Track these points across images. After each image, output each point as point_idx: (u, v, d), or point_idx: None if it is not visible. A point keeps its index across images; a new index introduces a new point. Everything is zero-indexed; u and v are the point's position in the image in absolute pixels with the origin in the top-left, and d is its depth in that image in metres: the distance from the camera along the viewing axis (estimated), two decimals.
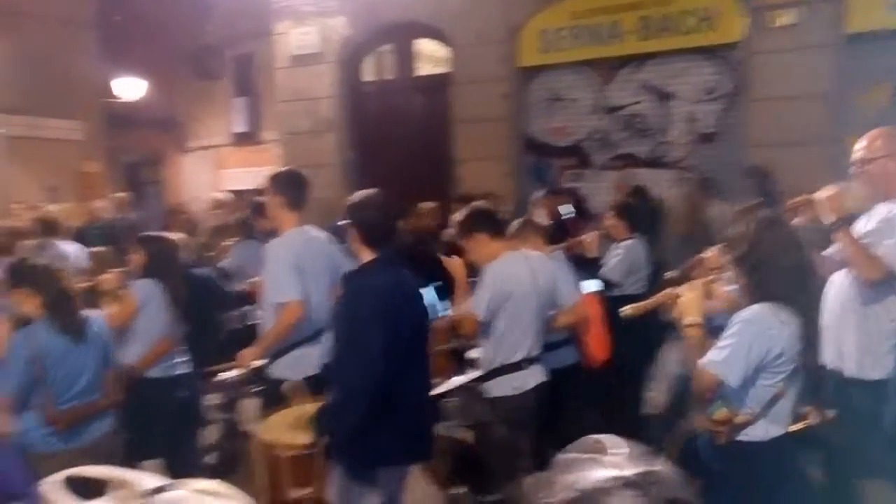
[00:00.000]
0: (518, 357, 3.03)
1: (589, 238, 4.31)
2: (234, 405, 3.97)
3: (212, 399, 3.86)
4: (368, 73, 8.80)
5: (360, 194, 2.62)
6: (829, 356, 2.74)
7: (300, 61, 8.78)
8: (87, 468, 2.39)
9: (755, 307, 2.12)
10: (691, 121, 6.98)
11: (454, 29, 7.76)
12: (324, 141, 8.74)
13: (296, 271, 3.07)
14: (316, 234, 3.31)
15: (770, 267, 2.12)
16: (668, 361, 3.66)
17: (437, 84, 8.14)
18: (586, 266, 4.11)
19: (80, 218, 8.83)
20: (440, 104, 8.01)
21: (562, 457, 0.89)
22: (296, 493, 2.54)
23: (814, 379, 2.30)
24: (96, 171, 12.25)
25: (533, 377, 3.08)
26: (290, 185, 3.30)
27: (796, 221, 3.17)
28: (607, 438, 0.90)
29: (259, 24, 9.56)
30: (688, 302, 2.25)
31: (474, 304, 2.98)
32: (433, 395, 2.87)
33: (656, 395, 3.72)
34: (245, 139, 12.19)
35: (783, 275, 2.12)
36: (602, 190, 7.16)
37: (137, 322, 3.46)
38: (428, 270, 3.18)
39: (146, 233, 3.91)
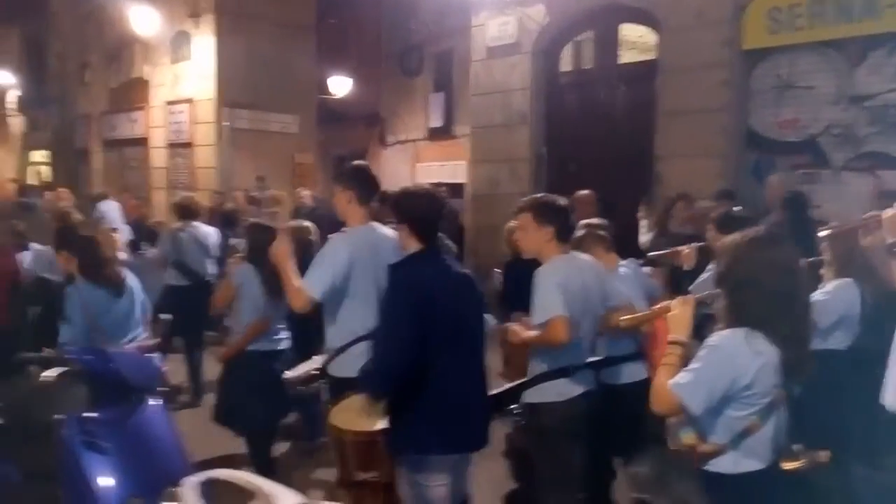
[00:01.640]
0: (563, 363, 2.89)
1: (686, 249, 4.22)
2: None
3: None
4: (566, 63, 8.29)
5: (407, 187, 2.72)
6: (890, 397, 2.41)
7: (496, 53, 8.52)
8: (230, 472, 2.33)
9: (727, 332, 2.00)
10: None
11: (666, 10, 6.98)
12: (517, 135, 8.41)
13: (346, 270, 3.03)
14: (383, 231, 3.21)
15: (751, 289, 1.99)
16: None
17: (642, 73, 7.41)
18: (682, 279, 4.00)
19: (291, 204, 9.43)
20: (644, 95, 7.27)
21: None
22: (361, 476, 2.69)
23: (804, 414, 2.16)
24: (308, 163, 13.17)
25: (580, 385, 2.94)
26: (359, 179, 3.23)
27: (869, 240, 2.75)
28: None
29: (461, 19, 9.51)
30: (676, 318, 2.11)
31: (547, 308, 2.78)
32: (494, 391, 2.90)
33: None
34: (440, 134, 12.32)
35: (765, 299, 1.98)
36: (841, 194, 5.98)
37: (237, 302, 3.88)
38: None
39: (254, 220, 4.25)
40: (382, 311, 2.50)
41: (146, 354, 2.92)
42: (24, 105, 17.98)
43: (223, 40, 11.67)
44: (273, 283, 3.66)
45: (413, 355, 2.37)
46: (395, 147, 13.55)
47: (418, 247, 2.52)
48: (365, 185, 3.20)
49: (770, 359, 1.95)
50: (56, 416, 2.41)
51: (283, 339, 4.00)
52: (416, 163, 12.92)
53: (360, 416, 2.66)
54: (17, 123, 18.73)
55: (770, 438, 2.02)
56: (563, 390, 2.86)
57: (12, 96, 18.24)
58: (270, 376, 3.63)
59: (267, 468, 3.57)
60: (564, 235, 2.95)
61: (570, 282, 2.82)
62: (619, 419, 3.14)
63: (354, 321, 3.00)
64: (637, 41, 7.77)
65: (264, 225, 4.10)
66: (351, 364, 2.93)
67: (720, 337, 1.99)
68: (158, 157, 13.42)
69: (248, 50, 11.52)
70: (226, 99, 11.83)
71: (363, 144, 14.08)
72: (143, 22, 11.75)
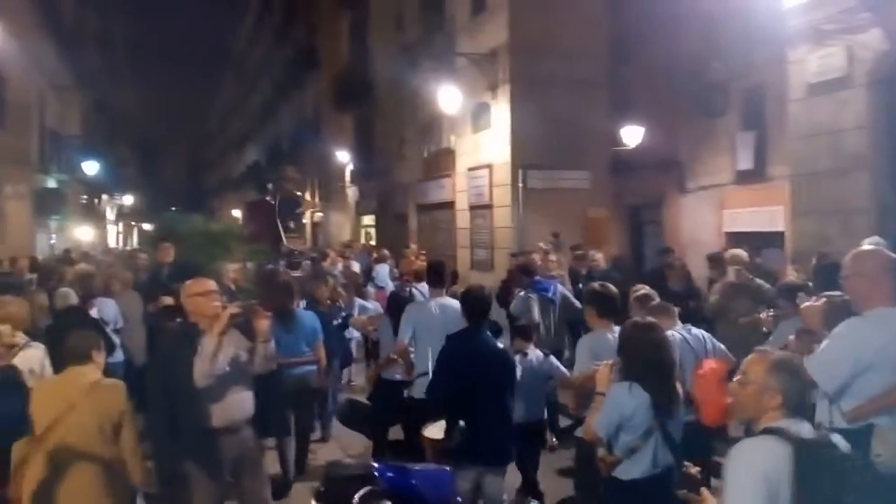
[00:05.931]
0: None
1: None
2: None
3: None
4: None
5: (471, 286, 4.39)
6: None
7: (820, 89, 7.35)
8: None
9: (616, 384, 3.15)
10: None
11: None
12: (851, 182, 7.10)
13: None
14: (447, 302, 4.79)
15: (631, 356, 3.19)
16: None
17: None
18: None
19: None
20: None
21: None
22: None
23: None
24: (601, 217, 12.96)
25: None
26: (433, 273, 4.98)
27: None
28: None
29: (773, 51, 8.48)
30: (601, 374, 3.27)
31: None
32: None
33: None
34: (751, 177, 11.09)
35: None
36: None
37: None
38: None
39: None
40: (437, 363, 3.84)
41: (443, 468, 2.98)
42: (356, 177, 21.05)
43: (518, 106, 12.20)
44: None
45: (443, 395, 3.71)
46: (697, 193, 12.60)
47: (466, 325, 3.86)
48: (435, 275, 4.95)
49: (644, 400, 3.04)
50: None
51: None
52: (722, 209, 11.82)
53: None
54: (351, 193, 22.01)
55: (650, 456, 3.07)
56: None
57: (347, 171, 21.51)
58: None
59: None
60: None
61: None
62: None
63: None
64: None
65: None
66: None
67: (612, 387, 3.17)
68: (462, 218, 14.46)
69: (541, 113, 11.83)
70: (521, 161, 12.27)
71: (659, 192, 13.39)
72: (449, 99, 12.83)
